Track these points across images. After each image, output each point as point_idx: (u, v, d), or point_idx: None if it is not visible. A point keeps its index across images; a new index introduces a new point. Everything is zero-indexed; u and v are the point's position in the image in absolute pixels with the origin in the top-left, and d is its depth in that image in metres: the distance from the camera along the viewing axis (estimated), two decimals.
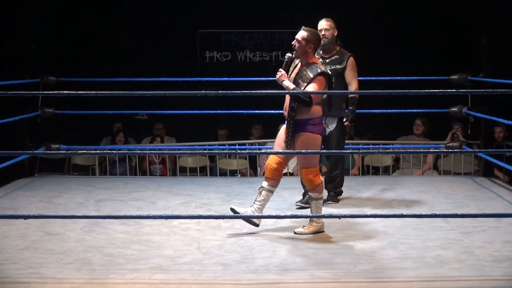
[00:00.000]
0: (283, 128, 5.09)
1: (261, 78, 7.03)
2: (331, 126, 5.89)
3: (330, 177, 6.08)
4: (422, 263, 4.33)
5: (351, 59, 5.92)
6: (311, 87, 4.94)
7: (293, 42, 5.01)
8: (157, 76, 7.90)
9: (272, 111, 7.15)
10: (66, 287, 3.97)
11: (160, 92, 4.17)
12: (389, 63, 8.94)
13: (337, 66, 5.89)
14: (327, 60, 5.90)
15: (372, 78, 7.37)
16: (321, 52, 5.87)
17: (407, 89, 4.35)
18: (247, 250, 4.63)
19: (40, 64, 7.98)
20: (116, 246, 4.72)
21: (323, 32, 5.81)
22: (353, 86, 5.88)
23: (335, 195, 6.05)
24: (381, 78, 7.43)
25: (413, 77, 7.31)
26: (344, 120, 5.95)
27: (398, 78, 7.39)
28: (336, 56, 5.92)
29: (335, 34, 5.91)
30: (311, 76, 4.95)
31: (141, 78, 7.92)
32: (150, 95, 4.18)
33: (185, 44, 9.87)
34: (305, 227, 5.03)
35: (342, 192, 6.13)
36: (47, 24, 8.95)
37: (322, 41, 5.71)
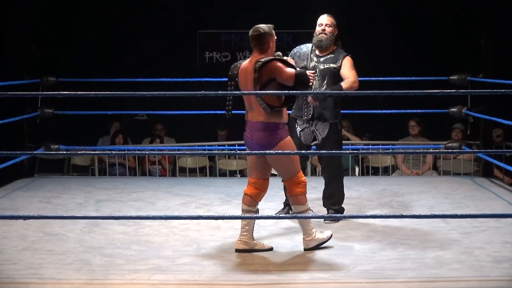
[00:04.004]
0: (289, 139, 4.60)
1: None
2: (322, 133, 5.45)
3: (326, 193, 5.55)
4: (421, 263, 4.33)
5: (348, 58, 5.44)
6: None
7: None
8: (156, 76, 7.89)
9: None
10: None
11: (159, 92, 4.17)
12: (389, 63, 8.94)
13: (331, 65, 5.43)
14: (321, 59, 5.47)
15: (372, 78, 7.36)
16: (316, 51, 5.49)
17: (407, 90, 4.35)
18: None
19: (39, 65, 7.98)
20: (116, 247, 4.72)
21: (323, 27, 5.45)
22: (350, 79, 5.34)
23: (335, 213, 5.44)
24: (381, 78, 7.42)
25: (413, 78, 7.31)
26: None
27: (398, 78, 7.39)
28: (331, 55, 5.46)
29: (336, 33, 5.48)
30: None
31: (140, 79, 7.92)
32: (150, 96, 4.17)
33: (184, 44, 9.87)
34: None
35: (344, 210, 5.55)
36: (47, 24, 8.96)
37: (319, 37, 5.44)
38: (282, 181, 4.71)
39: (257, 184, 4.62)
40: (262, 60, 4.48)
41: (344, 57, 5.45)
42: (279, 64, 4.50)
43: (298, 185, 4.58)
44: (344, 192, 5.59)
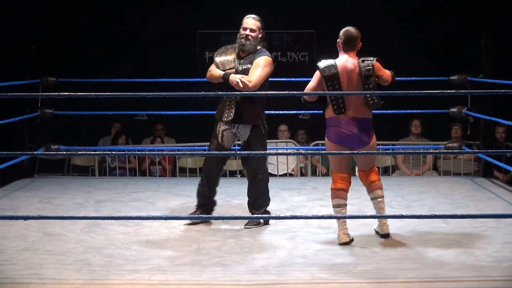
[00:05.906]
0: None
1: None
2: (244, 136, 5.28)
3: (250, 197, 5.40)
4: (421, 263, 4.34)
5: (261, 57, 5.19)
6: None
7: None
8: (156, 76, 7.89)
9: (272, 112, 7.14)
10: None
11: (159, 93, 4.17)
12: (388, 64, 8.91)
13: (248, 66, 5.21)
14: (242, 61, 5.26)
15: None
16: (240, 52, 5.28)
17: (407, 90, 4.36)
18: (246, 251, 4.63)
19: (39, 65, 7.99)
20: (116, 247, 4.72)
21: (247, 32, 5.24)
22: (248, 78, 5.12)
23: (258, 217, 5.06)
24: None
25: (413, 78, 7.31)
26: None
27: (398, 78, 7.36)
28: (250, 56, 5.25)
29: (260, 36, 5.30)
30: None
31: (140, 79, 7.92)
32: (150, 96, 4.17)
33: (184, 44, 9.87)
34: None
35: (269, 213, 5.41)
36: (47, 24, 8.96)
37: (242, 41, 5.23)
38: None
39: (348, 178, 4.85)
40: (370, 59, 4.77)
41: (259, 57, 5.21)
42: (380, 64, 4.83)
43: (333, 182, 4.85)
44: (269, 197, 5.42)
